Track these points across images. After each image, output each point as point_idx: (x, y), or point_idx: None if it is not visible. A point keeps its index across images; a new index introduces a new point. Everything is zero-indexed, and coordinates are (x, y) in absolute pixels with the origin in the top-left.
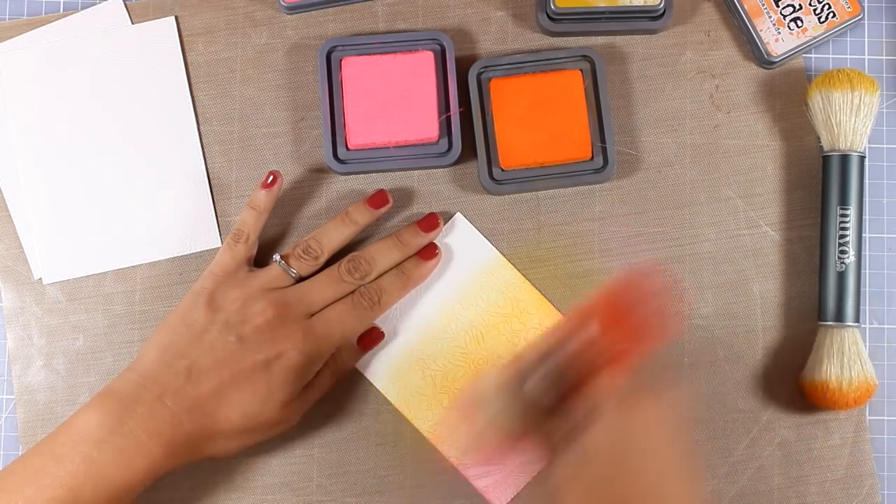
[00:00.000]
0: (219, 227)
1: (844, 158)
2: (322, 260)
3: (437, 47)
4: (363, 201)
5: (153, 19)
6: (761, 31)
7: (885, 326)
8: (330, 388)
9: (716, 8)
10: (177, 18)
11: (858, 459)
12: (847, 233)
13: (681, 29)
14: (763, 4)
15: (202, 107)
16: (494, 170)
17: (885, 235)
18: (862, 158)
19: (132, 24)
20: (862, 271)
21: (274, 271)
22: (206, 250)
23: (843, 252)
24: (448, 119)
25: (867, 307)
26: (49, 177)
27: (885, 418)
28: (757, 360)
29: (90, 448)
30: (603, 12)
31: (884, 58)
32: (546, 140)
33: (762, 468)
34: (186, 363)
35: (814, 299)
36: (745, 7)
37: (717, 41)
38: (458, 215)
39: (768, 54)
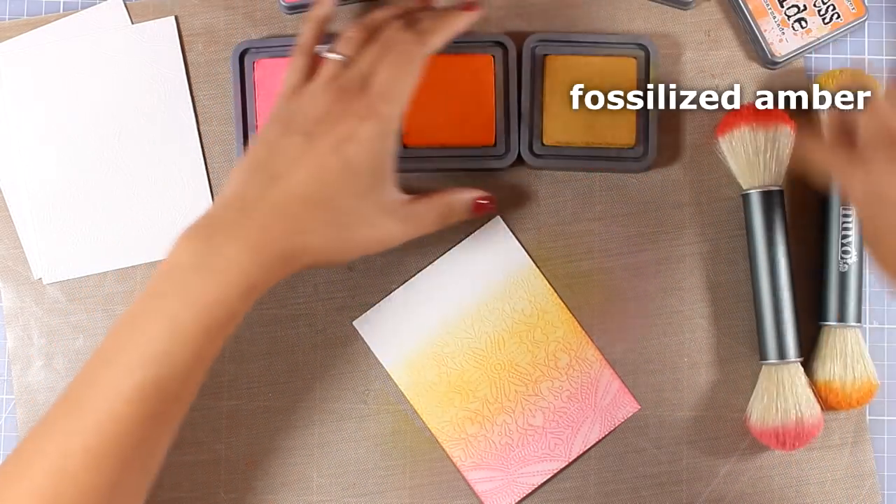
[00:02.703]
0: None
1: None
2: (366, 33)
3: None
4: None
5: (153, 19)
6: (765, 31)
7: (885, 326)
8: (433, 224)
9: (716, 7)
10: (177, 18)
11: (858, 459)
12: (849, 233)
13: (681, 29)
14: (767, 4)
15: (202, 107)
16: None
17: None
18: None
19: (132, 24)
20: (862, 271)
21: (328, 66)
22: None
23: (845, 252)
24: None
25: (867, 307)
26: (49, 177)
27: (885, 418)
28: (757, 361)
29: (183, 275)
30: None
31: (884, 57)
32: (450, 122)
33: (762, 468)
34: (264, 174)
35: (814, 299)
36: (750, 7)
37: (718, 41)
38: (498, 218)
39: (772, 55)
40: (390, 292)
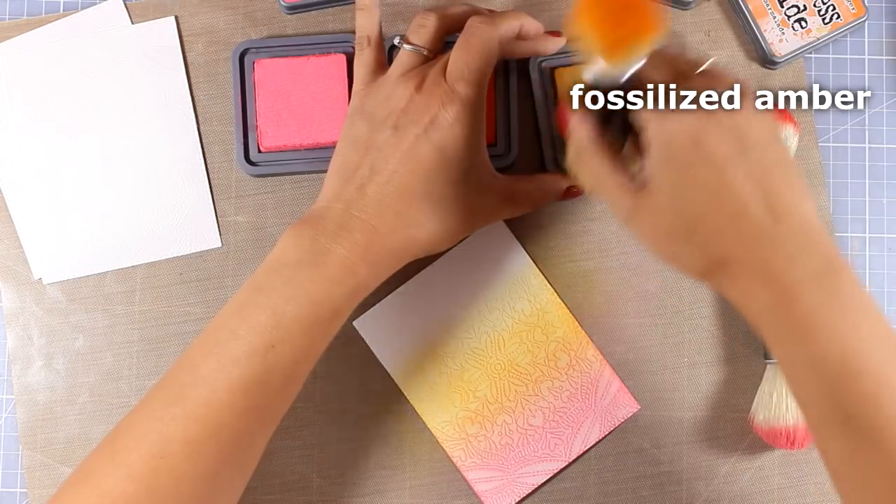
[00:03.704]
0: (219, 227)
1: None
2: (438, 21)
3: (351, 50)
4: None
5: (153, 19)
6: (765, 31)
7: None
8: (528, 207)
9: (716, 7)
10: (177, 18)
11: None
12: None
13: (681, 29)
14: (767, 5)
15: (202, 107)
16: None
17: (885, 235)
18: None
19: (132, 24)
20: (863, 271)
21: (403, 57)
22: (206, 250)
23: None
24: None
25: None
26: (49, 177)
27: None
28: (757, 360)
29: (288, 270)
30: None
31: (884, 58)
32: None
33: (762, 468)
34: (360, 173)
35: None
36: (750, 7)
37: (718, 41)
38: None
39: (772, 55)
40: (390, 292)
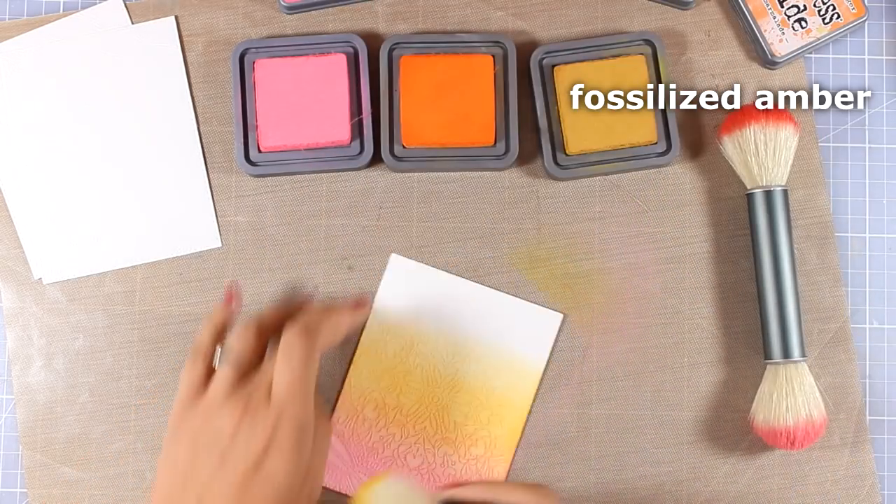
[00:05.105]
0: (219, 227)
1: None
2: (256, 330)
3: (351, 50)
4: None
5: (153, 19)
6: (765, 31)
7: (885, 326)
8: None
9: (716, 7)
10: (177, 18)
11: (858, 459)
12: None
13: (681, 29)
14: (767, 4)
15: (202, 107)
16: (396, 147)
17: (885, 235)
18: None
19: (132, 24)
20: (863, 271)
21: (225, 372)
22: (206, 250)
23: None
24: (360, 122)
25: (867, 307)
26: (49, 177)
27: (885, 418)
28: (757, 360)
29: None
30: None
31: (884, 58)
32: (450, 122)
33: (762, 468)
34: None
35: (814, 299)
36: (750, 7)
37: (718, 41)
38: (560, 315)
39: (772, 55)
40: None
